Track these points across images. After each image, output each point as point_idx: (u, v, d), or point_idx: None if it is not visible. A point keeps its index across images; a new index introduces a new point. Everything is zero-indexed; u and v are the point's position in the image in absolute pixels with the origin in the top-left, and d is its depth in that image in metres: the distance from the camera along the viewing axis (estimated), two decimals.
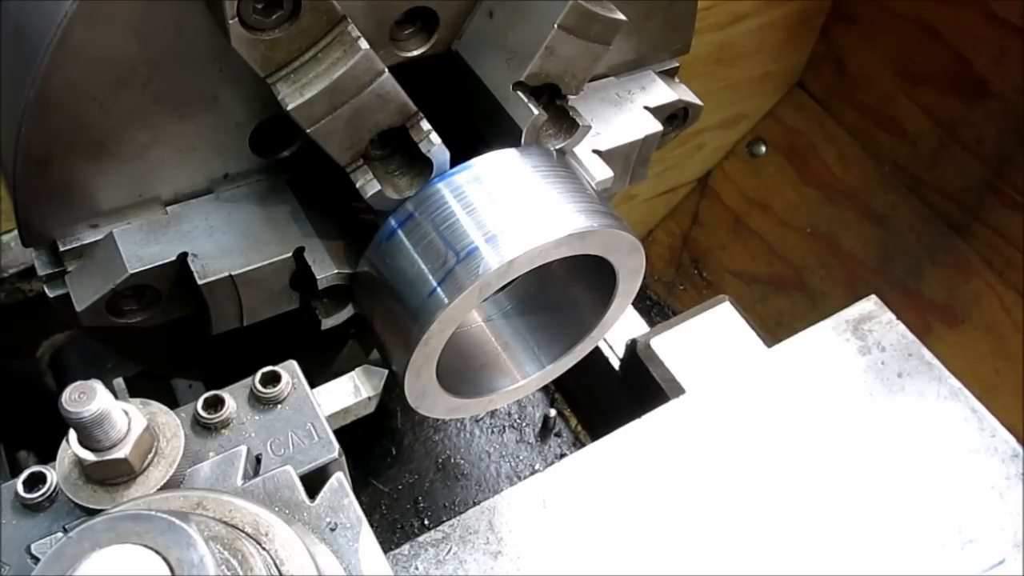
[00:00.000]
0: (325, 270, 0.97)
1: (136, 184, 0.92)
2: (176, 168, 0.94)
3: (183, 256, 0.93)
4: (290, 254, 0.97)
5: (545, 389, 1.73)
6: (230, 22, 0.75)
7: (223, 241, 0.96)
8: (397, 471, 1.63)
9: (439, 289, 0.90)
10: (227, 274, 0.93)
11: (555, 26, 0.91)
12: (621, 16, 0.95)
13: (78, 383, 0.65)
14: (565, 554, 1.16)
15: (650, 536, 1.19)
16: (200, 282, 0.92)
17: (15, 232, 1.36)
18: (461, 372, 1.12)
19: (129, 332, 0.97)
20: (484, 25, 0.98)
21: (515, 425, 1.72)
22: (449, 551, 1.13)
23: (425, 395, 1.02)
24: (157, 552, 0.49)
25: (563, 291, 1.18)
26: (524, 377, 1.16)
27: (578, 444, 1.76)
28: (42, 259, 0.94)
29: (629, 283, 1.08)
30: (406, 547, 1.13)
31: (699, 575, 1.15)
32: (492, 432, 1.71)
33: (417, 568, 1.12)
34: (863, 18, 2.36)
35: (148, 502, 0.60)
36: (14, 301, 1.36)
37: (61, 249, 0.92)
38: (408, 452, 1.65)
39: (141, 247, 0.93)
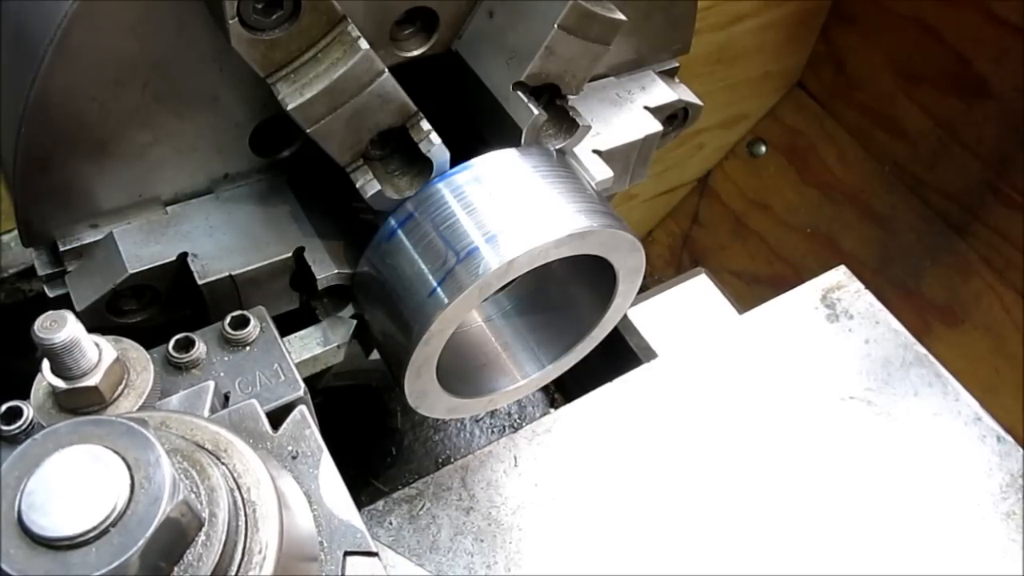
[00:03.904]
0: (325, 270, 0.97)
1: (136, 184, 0.92)
2: (176, 168, 0.94)
3: (183, 256, 0.93)
4: (290, 254, 0.97)
5: (545, 389, 1.73)
6: (230, 22, 0.75)
7: (223, 241, 0.96)
8: (397, 471, 1.62)
9: (439, 289, 0.90)
10: (227, 274, 0.93)
11: (555, 26, 0.91)
12: (621, 16, 0.95)
13: (50, 312, 0.67)
14: (536, 511, 1.19)
15: (619, 494, 1.22)
16: (200, 282, 0.92)
17: (15, 232, 1.36)
18: (461, 372, 1.13)
19: (129, 332, 0.97)
20: (484, 25, 0.98)
21: (515, 425, 1.72)
22: (423, 507, 1.16)
23: (425, 395, 1.02)
24: (116, 452, 0.51)
25: (563, 291, 1.19)
26: (524, 377, 1.16)
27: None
28: (42, 259, 0.94)
29: (629, 283, 1.08)
30: (380, 503, 1.16)
31: (666, 532, 1.18)
32: (492, 432, 1.70)
33: (391, 523, 1.14)
34: (863, 18, 2.36)
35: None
36: (14, 301, 1.37)
37: (61, 249, 0.92)
38: (408, 452, 1.65)
39: (141, 247, 0.93)
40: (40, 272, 0.94)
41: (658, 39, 1.19)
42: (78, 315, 0.90)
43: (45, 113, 0.80)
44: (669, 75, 1.24)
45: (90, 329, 0.71)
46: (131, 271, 0.90)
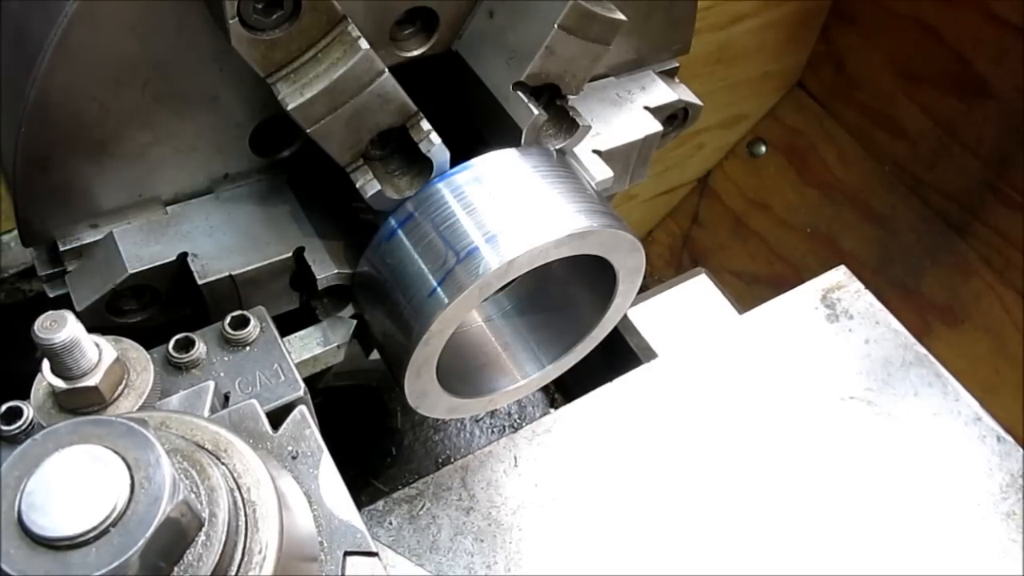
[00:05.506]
0: (325, 270, 0.97)
1: (136, 184, 0.92)
2: (176, 168, 0.94)
3: (183, 256, 0.93)
4: (290, 254, 0.97)
5: (545, 389, 1.73)
6: (230, 22, 0.75)
7: (223, 241, 0.96)
8: (397, 471, 1.62)
9: (439, 289, 0.90)
10: (227, 274, 0.93)
11: (555, 26, 0.91)
12: (621, 16, 0.95)
13: (50, 312, 0.67)
14: (536, 511, 1.19)
15: (619, 494, 1.22)
16: (200, 282, 0.92)
17: (15, 232, 1.36)
18: (461, 372, 1.12)
19: (129, 332, 0.97)
20: (484, 25, 0.98)
21: (515, 425, 1.72)
22: (423, 507, 1.16)
23: (425, 395, 1.02)
24: (116, 452, 0.51)
25: (563, 291, 1.19)
26: (524, 377, 1.16)
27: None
28: (42, 259, 0.94)
29: (629, 283, 1.08)
30: (380, 503, 1.17)
31: (666, 531, 1.18)
32: (492, 432, 1.70)
33: (391, 523, 1.14)
34: (863, 18, 2.36)
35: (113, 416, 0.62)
36: (14, 301, 1.37)
37: (61, 249, 0.92)
38: (408, 452, 1.65)
39: (141, 247, 0.93)
40: (40, 272, 0.94)
41: (658, 39, 1.19)
42: (78, 315, 0.90)
43: (45, 113, 0.80)
44: (669, 75, 1.24)
45: (90, 329, 0.71)
46: (131, 271, 0.90)
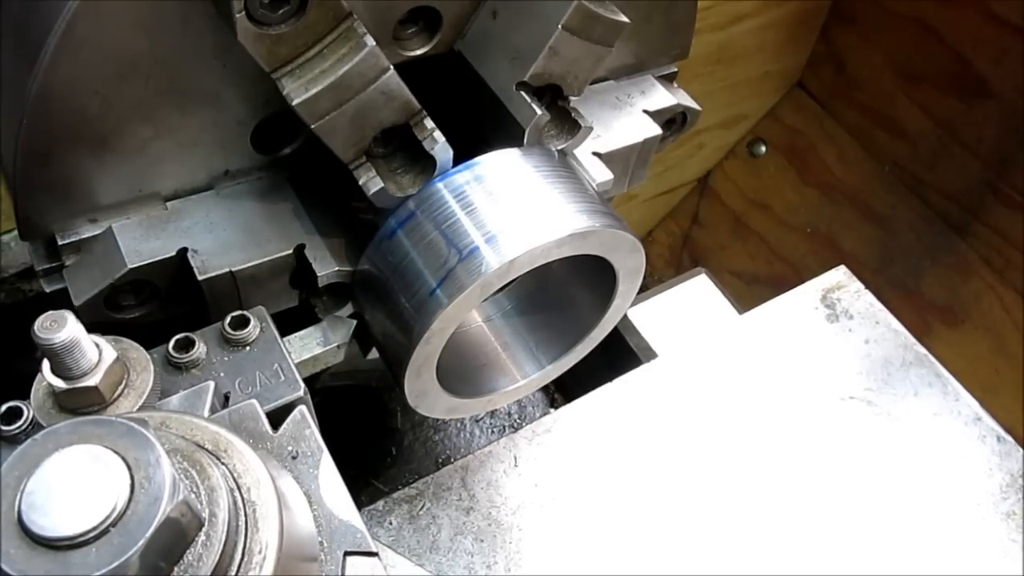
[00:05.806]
0: (326, 268, 0.96)
1: (137, 179, 0.92)
2: (177, 164, 0.94)
3: (183, 252, 0.92)
4: (291, 251, 0.97)
5: (545, 389, 1.72)
6: (237, 16, 0.75)
7: (223, 237, 0.95)
8: (397, 471, 1.62)
9: (439, 289, 0.90)
10: (227, 270, 0.93)
11: (559, 27, 0.91)
12: (624, 18, 0.95)
13: (50, 312, 0.67)
14: (536, 511, 1.19)
15: (619, 494, 1.22)
16: (200, 278, 0.91)
17: (15, 232, 1.36)
18: (461, 372, 1.12)
19: (127, 328, 0.96)
20: (487, 25, 0.97)
21: (515, 425, 1.71)
22: (423, 507, 1.16)
23: (425, 395, 1.02)
24: (116, 452, 0.51)
25: (563, 291, 1.18)
26: (524, 377, 1.16)
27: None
28: (39, 253, 0.94)
29: (629, 283, 1.07)
30: (380, 503, 1.17)
31: (666, 531, 1.18)
32: (492, 432, 1.70)
33: (391, 523, 1.14)
34: (863, 18, 2.36)
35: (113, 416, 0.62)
36: (14, 301, 1.36)
37: (60, 243, 0.92)
38: (408, 452, 1.65)
39: (140, 242, 0.92)
40: (37, 267, 0.94)
41: (658, 43, 1.19)
42: (76, 310, 0.90)
43: (47, 106, 0.80)
44: (668, 79, 1.24)
45: (88, 325, 0.70)
46: (130, 266, 0.90)
